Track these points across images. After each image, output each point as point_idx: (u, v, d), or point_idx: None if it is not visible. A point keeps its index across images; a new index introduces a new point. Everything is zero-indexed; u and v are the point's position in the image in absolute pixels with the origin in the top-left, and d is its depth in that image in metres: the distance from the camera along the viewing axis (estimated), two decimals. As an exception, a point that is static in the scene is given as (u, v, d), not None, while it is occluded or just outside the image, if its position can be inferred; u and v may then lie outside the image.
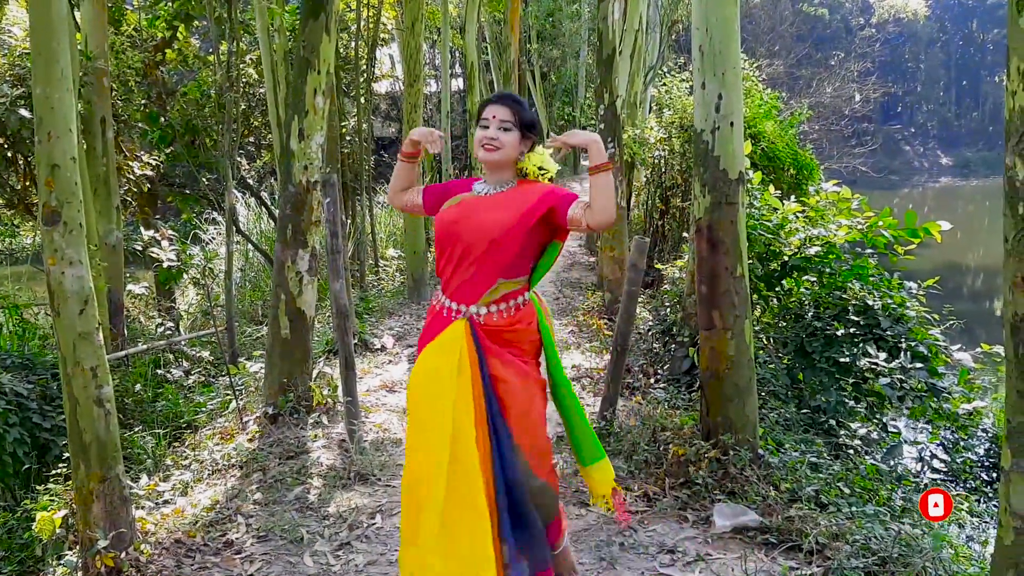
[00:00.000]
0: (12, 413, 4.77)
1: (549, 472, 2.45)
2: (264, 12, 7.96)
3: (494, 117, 2.35)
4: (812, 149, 9.91)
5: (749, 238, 4.91)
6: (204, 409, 5.38)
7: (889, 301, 4.99)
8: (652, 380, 5.38)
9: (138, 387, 6.30)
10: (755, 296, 5.23)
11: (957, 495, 4.79)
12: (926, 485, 4.98)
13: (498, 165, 2.38)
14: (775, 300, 5.52)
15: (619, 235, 7.52)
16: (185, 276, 9.04)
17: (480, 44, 16.44)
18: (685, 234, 6.68)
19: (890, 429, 5.24)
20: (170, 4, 9.28)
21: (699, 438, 3.75)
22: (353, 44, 10.46)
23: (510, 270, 2.34)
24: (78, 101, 5.22)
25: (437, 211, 2.45)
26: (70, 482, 3.79)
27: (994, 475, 5.58)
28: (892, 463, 4.76)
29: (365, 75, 11.12)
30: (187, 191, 11.37)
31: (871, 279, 5.14)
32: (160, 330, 8.04)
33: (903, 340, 4.82)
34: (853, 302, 4.99)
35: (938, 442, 5.56)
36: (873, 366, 4.71)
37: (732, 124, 3.64)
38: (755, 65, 12.64)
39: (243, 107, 10.13)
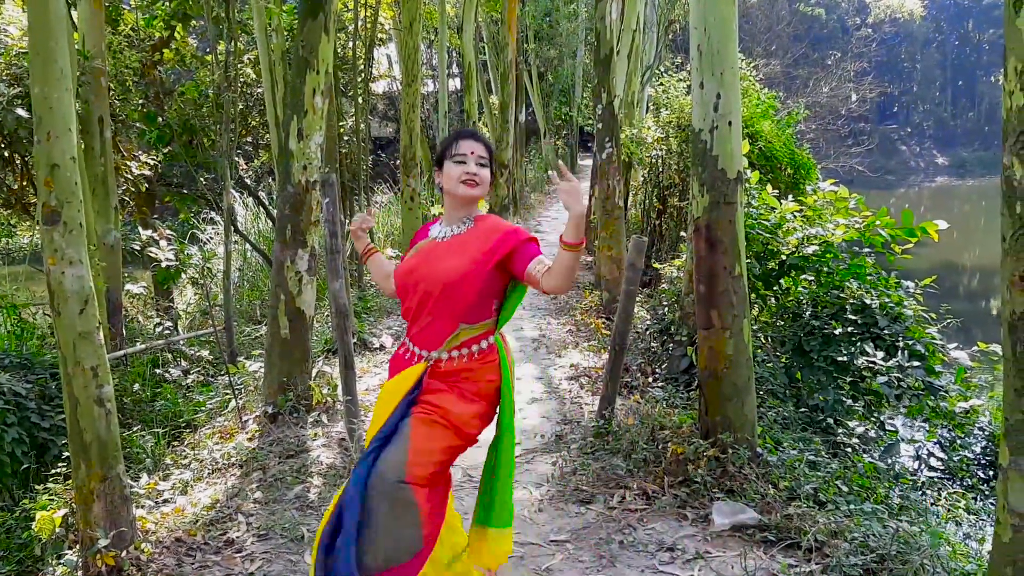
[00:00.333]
0: (11, 413, 4.76)
1: (421, 483, 2.20)
2: (262, 12, 7.97)
3: (472, 153, 2.31)
4: (809, 149, 9.93)
5: (747, 237, 4.93)
6: (203, 408, 5.38)
7: (887, 300, 5.01)
8: (650, 379, 5.39)
9: (136, 387, 6.30)
10: (753, 295, 5.24)
11: (954, 493, 4.82)
12: (923, 483, 5.01)
13: (472, 201, 2.36)
14: (773, 299, 5.54)
15: (617, 235, 7.53)
16: (183, 276, 9.03)
17: (477, 44, 16.46)
18: (683, 233, 6.69)
19: (887, 427, 5.26)
20: (167, 4, 9.28)
21: (698, 437, 3.76)
22: (351, 44, 10.46)
23: (470, 315, 2.30)
24: (76, 101, 5.22)
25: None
26: (70, 481, 3.79)
27: (991, 473, 5.60)
28: (890, 461, 4.78)
29: (363, 75, 11.12)
30: (185, 191, 11.35)
31: (869, 278, 5.16)
32: (159, 330, 8.03)
33: (900, 339, 4.83)
34: (851, 301, 5.01)
35: (935, 440, 5.58)
36: (871, 365, 4.73)
37: (730, 123, 3.65)
38: (752, 65, 12.67)
39: (241, 107, 10.13)
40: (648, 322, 6.19)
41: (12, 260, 11.16)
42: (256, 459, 4.08)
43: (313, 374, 4.92)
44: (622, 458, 3.92)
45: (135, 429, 5.25)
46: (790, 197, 5.79)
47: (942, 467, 5.55)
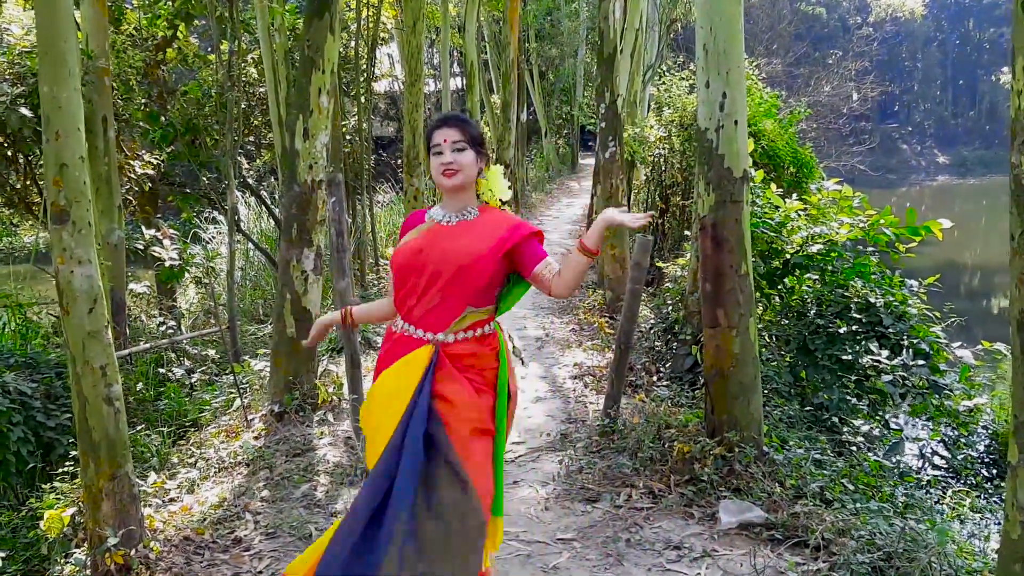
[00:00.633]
0: (16, 412, 4.77)
1: (483, 495, 2.15)
2: (265, 11, 7.97)
3: (445, 141, 2.28)
4: (811, 148, 9.94)
5: (752, 236, 4.93)
6: (208, 407, 5.39)
7: (891, 299, 5.01)
8: (654, 378, 5.40)
9: (140, 386, 6.31)
10: (757, 294, 5.24)
11: (958, 491, 4.83)
12: (928, 482, 5.01)
13: (461, 188, 2.32)
14: (777, 298, 5.54)
15: (620, 234, 7.54)
16: (187, 275, 9.03)
17: (479, 43, 16.46)
18: (687, 232, 6.69)
19: (892, 426, 5.26)
20: (170, 3, 9.28)
21: (704, 435, 3.77)
22: (353, 43, 10.46)
23: (478, 299, 2.29)
24: (81, 100, 5.22)
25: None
26: (77, 480, 3.80)
27: (994, 471, 5.61)
28: (895, 460, 4.78)
29: (365, 74, 11.12)
30: (187, 190, 11.36)
31: (873, 277, 5.16)
32: (162, 329, 8.03)
33: (905, 337, 4.84)
34: (855, 300, 5.01)
35: (939, 439, 5.59)
36: (875, 363, 4.73)
37: (736, 122, 3.66)
38: (754, 64, 12.68)
39: (243, 106, 10.12)
40: (652, 321, 6.20)
41: (15, 260, 11.17)
42: (263, 458, 4.08)
43: (318, 373, 4.92)
44: (628, 457, 3.93)
45: (139, 428, 5.26)
46: (795, 196, 5.79)
47: (946, 466, 5.55)
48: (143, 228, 8.62)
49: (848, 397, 4.83)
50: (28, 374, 5.10)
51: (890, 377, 4.72)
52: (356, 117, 11.16)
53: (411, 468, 2.07)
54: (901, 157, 46.37)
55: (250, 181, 12.24)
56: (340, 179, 4.06)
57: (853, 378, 4.87)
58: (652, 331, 5.94)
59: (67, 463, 4.30)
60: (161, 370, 6.98)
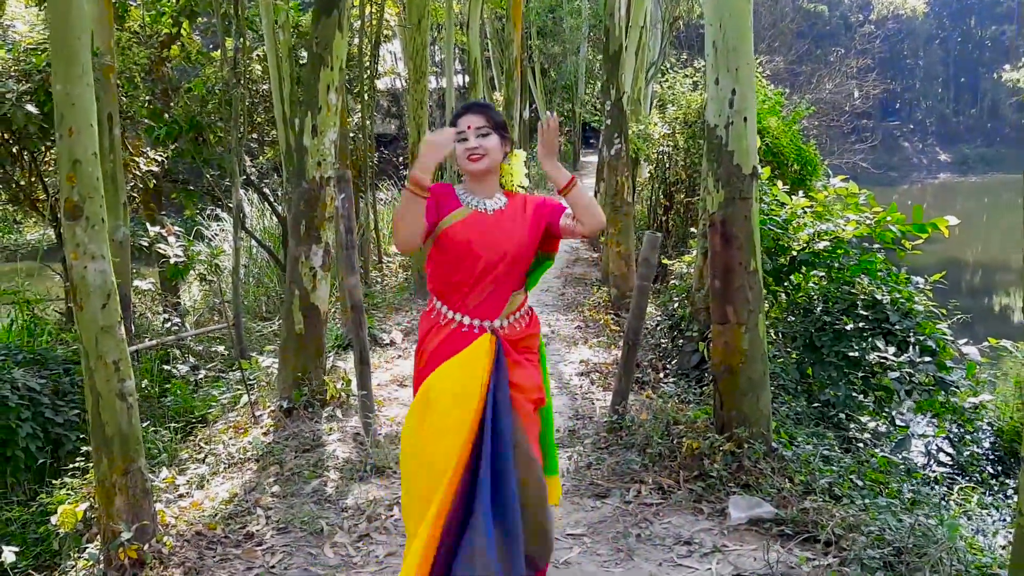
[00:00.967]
0: (25, 408, 4.80)
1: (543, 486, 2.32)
2: (269, 8, 7.97)
3: (470, 127, 2.32)
4: (815, 145, 9.95)
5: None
6: (216, 404, 5.41)
7: (897, 295, 5.02)
8: (661, 375, 5.41)
9: (145, 383, 6.32)
10: (763, 291, 5.25)
11: (964, 488, 4.84)
12: (934, 479, 5.02)
13: (487, 172, 2.36)
14: (783, 295, 5.55)
15: (625, 231, 7.54)
16: (192, 272, 9.04)
17: (482, 41, 16.45)
18: (693, 229, 6.70)
19: (898, 423, 5.27)
20: (175, 0, 9.28)
21: (713, 431, 3.78)
22: (356, 41, 10.46)
23: (521, 281, 2.42)
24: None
25: (430, 216, 2.30)
26: (87, 476, 3.82)
27: (999, 468, 5.62)
28: (901, 456, 4.80)
29: (368, 72, 11.13)
30: (191, 187, 11.36)
31: (879, 274, 5.17)
32: (167, 326, 8.05)
33: (912, 334, 4.85)
34: (862, 297, 5.02)
35: (944, 436, 5.60)
36: (882, 360, 4.74)
37: (745, 119, 3.67)
38: (756, 61, 12.67)
39: (247, 103, 10.12)
40: (658, 318, 6.21)
41: (20, 257, 11.18)
42: (272, 453, 4.10)
43: (327, 369, 4.93)
44: (636, 453, 3.94)
45: (145, 425, 5.27)
46: (800, 193, 5.80)
47: (951, 462, 5.57)
48: (147, 225, 8.63)
49: (854, 394, 4.84)
50: (36, 370, 5.13)
51: (897, 374, 4.74)
52: (359, 115, 11.16)
53: (505, 459, 2.18)
54: (903, 155, 46.35)
55: (252, 178, 12.25)
56: (349, 176, 4.07)
57: (860, 375, 4.88)
58: (658, 328, 5.95)
59: (76, 459, 4.31)
60: (166, 367, 7.00)
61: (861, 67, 31.33)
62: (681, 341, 5.58)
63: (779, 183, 5.75)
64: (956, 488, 4.67)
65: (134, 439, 3.05)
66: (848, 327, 4.92)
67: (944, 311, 5.23)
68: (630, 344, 4.35)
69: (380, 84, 20.21)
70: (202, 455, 4.37)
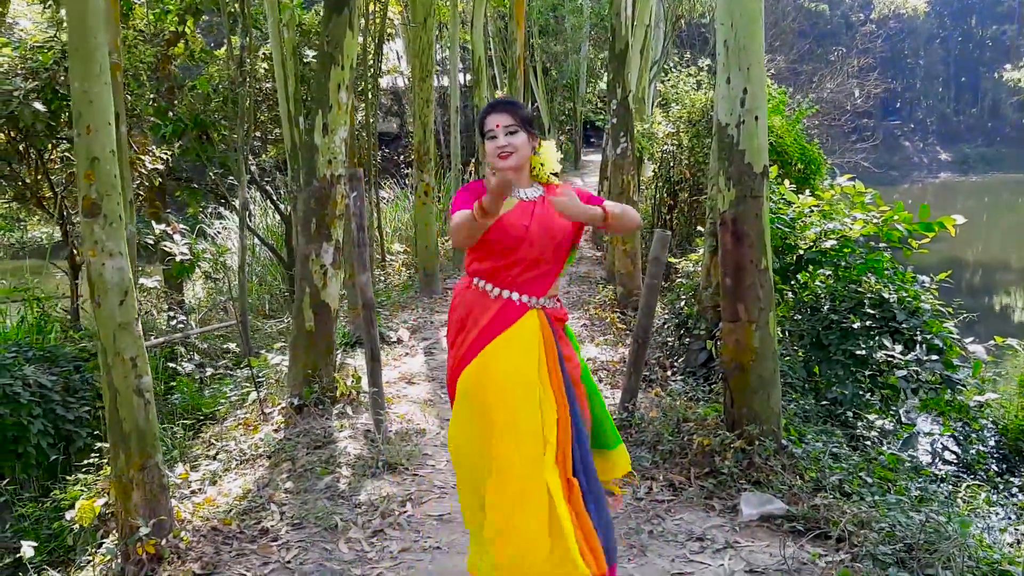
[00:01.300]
0: (36, 405, 4.81)
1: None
2: (275, 7, 7.97)
3: (497, 126, 2.43)
4: (818, 144, 9.96)
5: (767, 232, 4.95)
6: (225, 400, 5.43)
7: (904, 294, 5.04)
8: (668, 373, 5.43)
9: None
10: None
11: (971, 485, 4.86)
12: (941, 477, 5.05)
13: (517, 169, 2.46)
14: (790, 293, 5.57)
15: (630, 229, 7.55)
16: (197, 270, 9.06)
17: (484, 39, 16.45)
18: (700, 228, 6.72)
19: (904, 421, 5.30)
20: (180, -1, 9.29)
21: (723, 429, 3.80)
22: (360, 39, 10.46)
23: (562, 265, 2.57)
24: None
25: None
26: (101, 472, 3.84)
27: (1004, 466, 5.65)
28: (908, 454, 4.82)
29: (372, 70, 11.14)
30: (195, 185, 11.38)
31: (886, 273, 5.19)
32: (174, 323, 8.07)
33: (919, 333, 4.87)
34: (869, 295, 5.04)
35: (950, 434, 5.62)
36: (889, 358, 4.76)
37: (757, 118, 3.69)
38: (760, 60, 12.66)
39: (250, 102, 10.13)
40: (664, 316, 6.22)
41: (27, 254, 11.20)
42: (284, 450, 4.12)
43: (336, 366, 4.95)
44: (647, 450, 3.97)
45: (154, 422, 5.28)
46: (807, 192, 5.82)
47: (956, 461, 5.59)
48: (153, 223, 8.65)
49: (861, 392, 4.86)
50: (47, 367, 5.15)
51: (904, 372, 4.75)
52: (363, 113, 11.18)
53: (581, 436, 2.44)
54: (903, 154, 46.38)
55: (255, 176, 12.27)
56: (361, 174, 4.08)
57: (867, 373, 4.90)
58: (665, 326, 5.96)
59: (88, 456, 4.33)
60: (171, 364, 7.01)
61: (862, 66, 31.32)
62: (688, 339, 5.60)
63: (787, 182, 5.76)
64: (963, 486, 4.69)
65: (151, 435, 3.07)
66: (855, 325, 4.94)
67: (951, 310, 5.25)
68: (639, 342, 4.37)
69: (381, 82, 20.22)
70: (213, 452, 4.39)
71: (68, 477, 4.09)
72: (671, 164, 9.57)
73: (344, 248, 4.81)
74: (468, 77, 21.92)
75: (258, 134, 11.71)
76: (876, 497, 3.48)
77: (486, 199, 2.18)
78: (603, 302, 7.75)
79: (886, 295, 5.02)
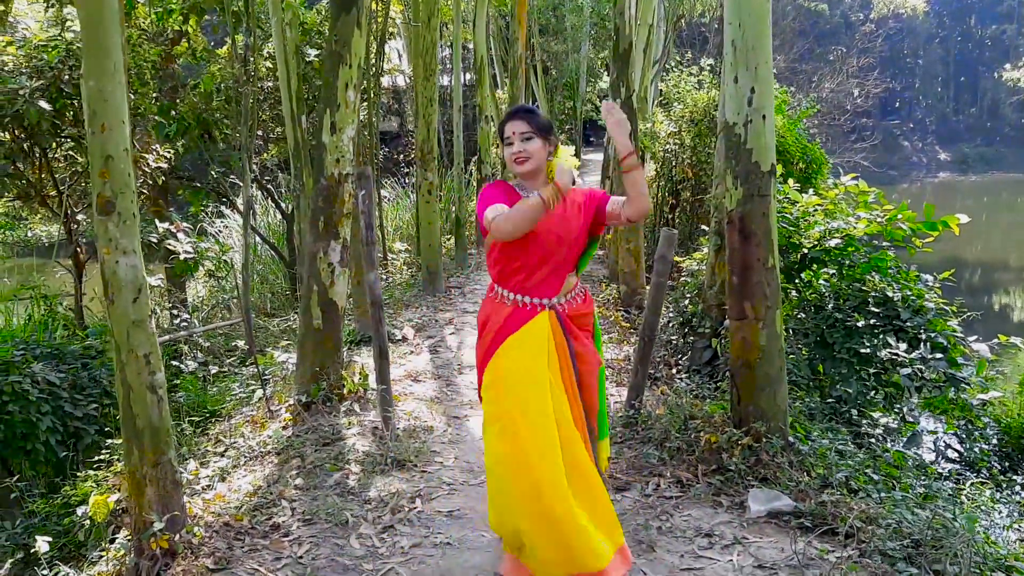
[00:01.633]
0: (45, 402, 4.83)
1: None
2: (278, 6, 7.99)
3: (514, 133, 2.60)
4: (819, 143, 9.98)
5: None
6: (230, 398, 5.45)
7: (908, 293, 5.07)
8: (673, 371, 5.46)
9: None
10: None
11: (975, 483, 4.89)
12: (945, 476, 5.08)
13: (534, 174, 2.64)
14: (794, 292, 5.59)
15: (634, 228, 7.59)
16: (200, 268, 9.07)
17: (486, 39, 16.47)
18: (704, 227, 6.74)
19: (908, 419, 5.33)
20: (184, -2, 9.29)
21: (730, 426, 3.82)
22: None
23: (575, 265, 2.74)
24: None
25: None
26: (112, 468, 3.86)
27: (1006, 464, 5.68)
28: (912, 452, 4.85)
29: (374, 69, 11.14)
30: (197, 184, 11.40)
31: (889, 271, 5.22)
32: (177, 322, 8.09)
33: (923, 331, 4.90)
34: (873, 294, 5.07)
35: (953, 432, 5.65)
36: (893, 356, 4.79)
37: (764, 117, 3.71)
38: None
39: (253, 101, 10.13)
40: (669, 315, 6.25)
41: (34, 253, 11.21)
42: (293, 447, 4.14)
43: (344, 364, 4.97)
44: (655, 447, 3.99)
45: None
46: (811, 191, 5.85)
47: (959, 459, 5.62)
48: (156, 222, 8.67)
49: (866, 390, 4.89)
50: (54, 365, 5.17)
51: (908, 370, 4.78)
52: (366, 112, 11.19)
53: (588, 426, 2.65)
54: (902, 154, 46.45)
55: (257, 175, 12.28)
56: (369, 173, 4.10)
57: (871, 371, 4.93)
58: (670, 325, 5.99)
59: (96, 453, 4.35)
60: (174, 362, 7.03)
61: (862, 66, 31.38)
62: (692, 338, 5.63)
63: (791, 180, 5.79)
64: (968, 484, 4.72)
65: (164, 431, 3.09)
66: (859, 324, 4.97)
67: (954, 309, 5.28)
68: (646, 339, 4.39)
69: (382, 81, 20.22)
70: (221, 449, 4.41)
71: (78, 474, 4.11)
72: (673, 163, 9.59)
73: (349, 246, 4.83)
74: (469, 76, 21.95)
75: (260, 133, 11.73)
76: (882, 494, 3.51)
77: (556, 191, 2.39)
78: (607, 301, 7.77)
79: (890, 293, 5.04)
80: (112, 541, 3.29)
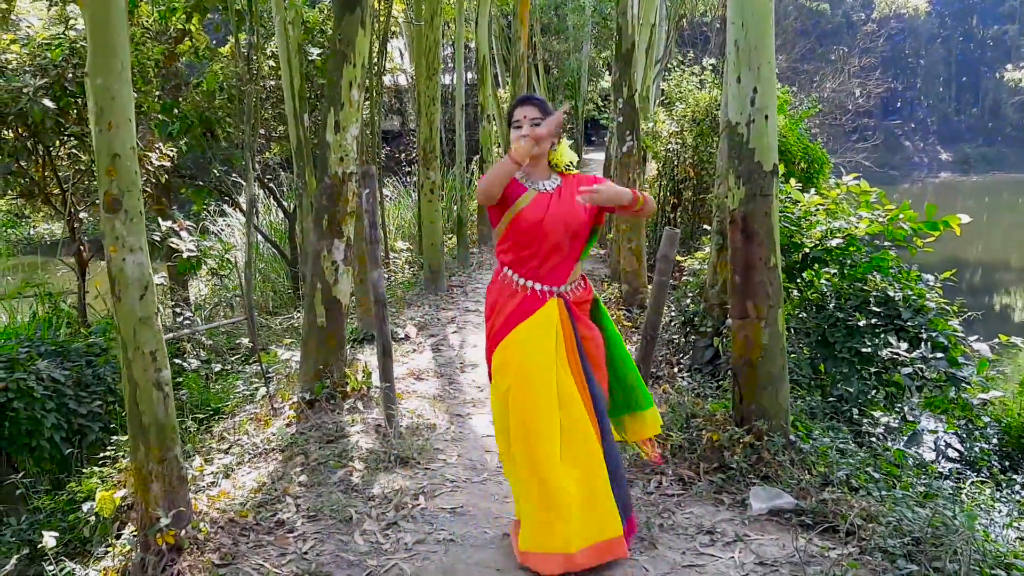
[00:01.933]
0: (49, 399, 4.86)
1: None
2: (281, 5, 8.01)
3: (525, 117, 2.68)
4: (821, 143, 10.00)
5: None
6: (234, 395, 5.47)
7: (909, 292, 5.08)
8: (675, 370, 5.47)
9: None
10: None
11: (975, 482, 4.91)
12: (945, 475, 5.10)
13: (540, 157, 2.74)
14: (796, 291, 5.61)
15: (636, 227, 7.61)
16: (203, 267, 9.10)
17: (488, 38, 16.48)
18: (706, 226, 6.76)
19: (909, 418, 5.34)
20: (187, -4, 9.30)
21: (732, 424, 3.84)
22: (366, 37, 10.48)
23: (580, 253, 2.82)
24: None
25: (500, 200, 2.71)
26: (118, 464, 3.88)
27: (1006, 464, 5.70)
28: (913, 451, 4.87)
29: (376, 68, 11.17)
30: (200, 183, 11.43)
31: (891, 271, 5.24)
32: (180, 320, 8.11)
33: (924, 330, 4.91)
34: (874, 293, 5.09)
35: (954, 431, 5.67)
36: (895, 356, 4.80)
37: (767, 117, 3.73)
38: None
39: (256, 99, 10.15)
40: (671, 314, 6.27)
41: (38, 251, 11.25)
42: (296, 444, 4.16)
43: (348, 361, 4.99)
44: (656, 445, 4.00)
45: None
46: (813, 191, 5.86)
47: (959, 458, 5.64)
48: (159, 220, 8.69)
49: (867, 389, 4.91)
50: (59, 362, 5.20)
51: (909, 370, 4.80)
52: (368, 111, 11.21)
53: (598, 403, 2.76)
54: (904, 154, 46.45)
55: (259, 173, 12.30)
56: (374, 171, 4.12)
57: (872, 370, 4.95)
58: (672, 323, 6.01)
59: (100, 450, 4.38)
60: (178, 360, 7.06)
61: (863, 66, 31.38)
62: (694, 336, 5.65)
63: (792, 180, 5.81)
64: (968, 483, 4.74)
65: (170, 427, 3.11)
66: (861, 323, 4.99)
67: (955, 309, 5.30)
68: (648, 338, 4.42)
69: (384, 80, 20.25)
70: (225, 446, 4.43)
71: (83, 470, 4.13)
72: (675, 163, 9.61)
73: (352, 245, 4.85)
74: (470, 75, 21.96)
75: (262, 131, 11.76)
76: (883, 492, 3.53)
77: (519, 150, 2.54)
78: (609, 300, 7.79)
79: (891, 293, 5.06)
80: (118, 537, 3.31)
